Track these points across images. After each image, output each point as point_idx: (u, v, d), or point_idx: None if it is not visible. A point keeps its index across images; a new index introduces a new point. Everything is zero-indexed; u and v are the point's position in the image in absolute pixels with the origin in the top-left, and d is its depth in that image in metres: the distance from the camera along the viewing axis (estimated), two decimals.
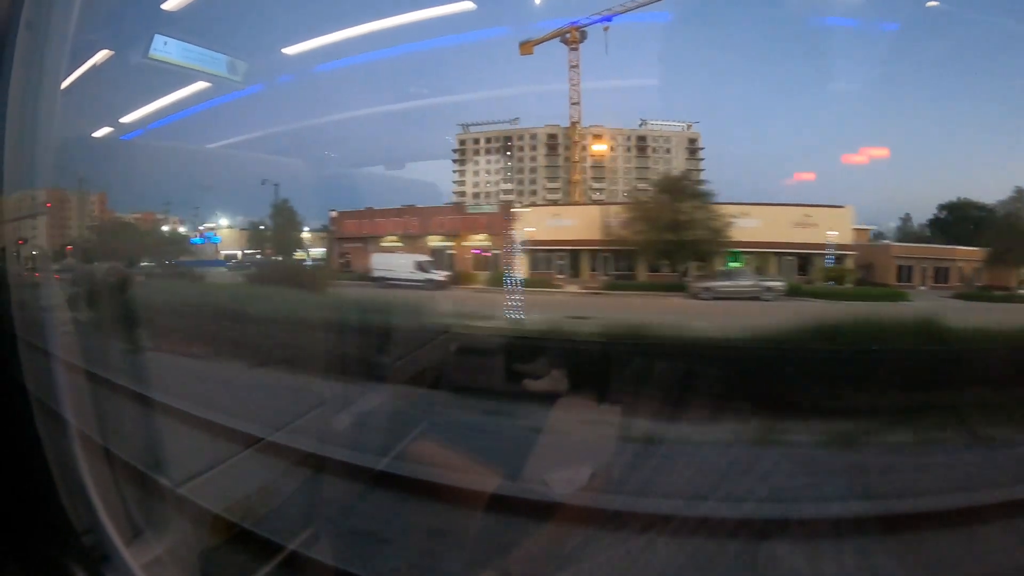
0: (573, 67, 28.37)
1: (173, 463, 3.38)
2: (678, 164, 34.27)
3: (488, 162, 35.70)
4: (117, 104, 10.87)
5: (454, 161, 35.73)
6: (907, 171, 30.48)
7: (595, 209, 27.50)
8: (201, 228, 29.29)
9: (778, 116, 37.89)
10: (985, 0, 20.20)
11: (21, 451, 1.74)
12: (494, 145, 35.62)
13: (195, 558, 2.34)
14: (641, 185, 32.91)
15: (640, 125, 34.88)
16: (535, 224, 26.06)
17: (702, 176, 32.90)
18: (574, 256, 25.68)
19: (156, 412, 4.50)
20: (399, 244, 26.72)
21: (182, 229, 28.99)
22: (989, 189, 31.24)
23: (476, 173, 35.78)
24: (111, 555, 1.82)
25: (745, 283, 20.09)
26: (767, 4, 28.46)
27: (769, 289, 19.65)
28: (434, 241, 26.87)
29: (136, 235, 26.31)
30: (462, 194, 35.37)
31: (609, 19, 25.56)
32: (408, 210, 28.14)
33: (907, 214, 28.39)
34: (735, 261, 22.70)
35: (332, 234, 28.94)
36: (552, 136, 34.35)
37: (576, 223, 25.84)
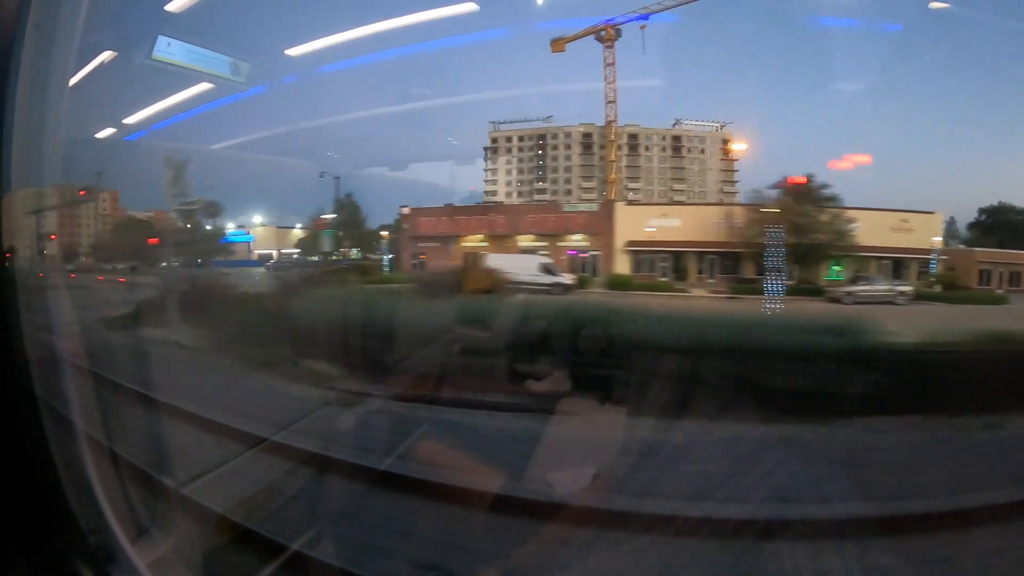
0: (609, 65, 27.88)
1: None
2: (713, 164, 34.06)
3: (521, 160, 35.00)
4: (120, 105, 10.90)
5: (486, 159, 35.00)
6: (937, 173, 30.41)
7: (704, 210, 26.72)
8: (232, 226, 28.00)
9: (800, 115, 37.45)
10: None
11: (29, 453, 1.74)
12: (527, 143, 34.88)
13: (200, 557, 2.35)
14: (677, 186, 32.96)
15: (673, 125, 34.57)
16: (634, 224, 25.11)
17: (735, 176, 32.93)
18: (678, 258, 24.86)
19: None
20: (484, 244, 25.40)
21: (210, 227, 27.10)
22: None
23: (509, 172, 35.03)
24: (117, 554, 1.82)
25: (882, 288, 20.05)
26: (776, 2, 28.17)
27: (902, 294, 19.82)
28: (524, 241, 25.74)
29: (161, 233, 25.08)
30: (493, 193, 34.80)
31: (646, 18, 25.34)
32: (496, 208, 27.10)
33: (951, 218, 28.05)
34: (838, 265, 22.66)
35: (404, 232, 27.70)
36: (587, 135, 33.79)
37: (682, 223, 24.99)
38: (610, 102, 29.86)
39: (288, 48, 10.01)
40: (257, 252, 28.99)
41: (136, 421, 3.91)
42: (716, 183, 34.35)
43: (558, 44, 26.36)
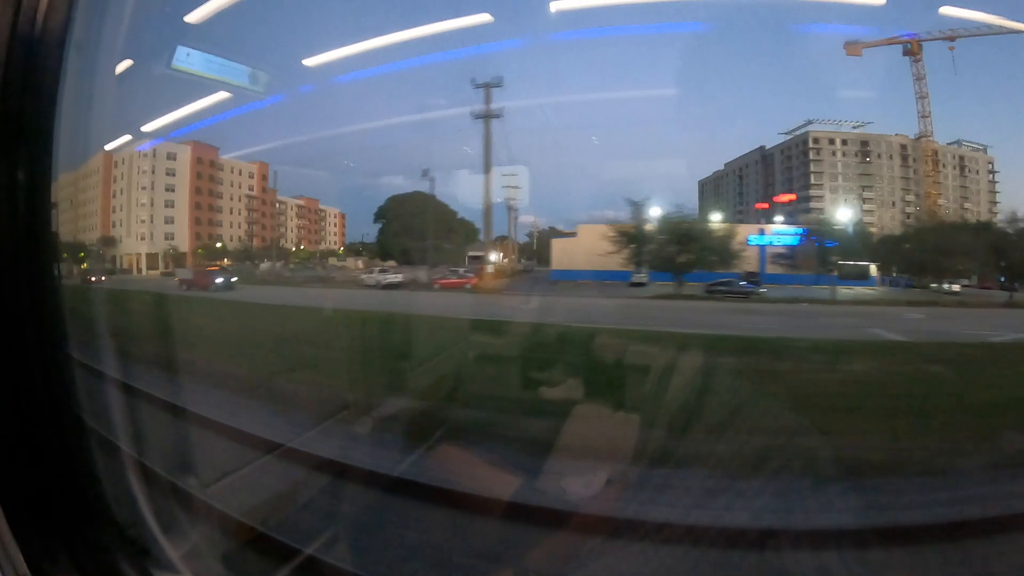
0: (919, 79, 27.79)
1: None
2: (983, 185, 33.05)
3: (844, 166, 33.44)
4: (139, 113, 11.15)
5: (811, 161, 33.50)
6: None
7: None
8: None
9: None
10: None
11: (71, 456, 1.84)
12: (851, 148, 33.31)
13: (227, 551, 2.44)
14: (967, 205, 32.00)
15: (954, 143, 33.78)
16: None
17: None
18: None
19: None
20: None
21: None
22: None
23: (834, 177, 33.40)
24: (151, 546, 1.92)
25: None
26: None
27: None
28: None
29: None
30: (820, 198, 33.18)
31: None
32: None
33: None
34: None
35: None
36: (903, 146, 32.72)
37: None
38: (923, 116, 29.68)
39: (306, 58, 10.19)
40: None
41: None
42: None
43: (854, 47, 25.71)
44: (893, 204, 32.71)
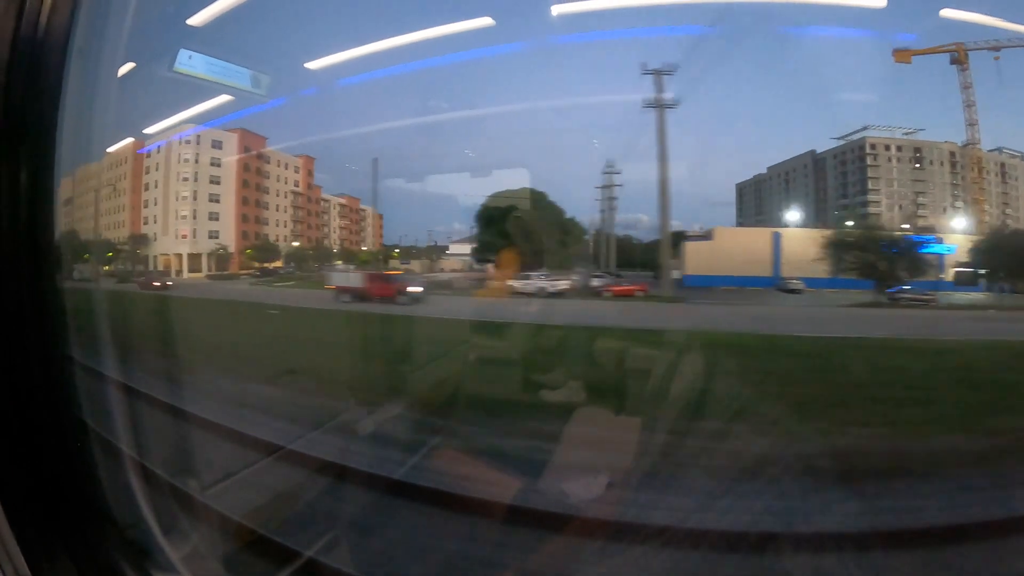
0: (967, 88, 27.27)
1: None
2: (1021, 192, 32.19)
3: (899, 172, 33.14)
4: (141, 116, 11.18)
5: (869, 166, 33.36)
6: None
7: None
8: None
9: None
10: None
11: (72, 458, 1.85)
12: (905, 154, 33.07)
13: (226, 553, 2.44)
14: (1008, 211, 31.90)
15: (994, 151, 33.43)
16: None
17: None
18: None
19: None
20: None
21: None
22: None
23: (890, 183, 33.04)
24: (151, 548, 1.92)
25: None
26: None
27: None
28: None
29: None
30: (877, 203, 32.78)
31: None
32: None
33: None
34: None
35: None
36: (952, 153, 32.32)
37: None
38: (970, 124, 29.39)
39: (308, 61, 10.20)
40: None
41: None
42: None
43: (903, 55, 24.90)
44: (944, 210, 32.49)
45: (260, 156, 33.25)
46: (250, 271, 32.20)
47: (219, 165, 31.03)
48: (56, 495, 1.75)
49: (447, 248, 34.65)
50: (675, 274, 27.50)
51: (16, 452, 1.55)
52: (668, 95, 20.34)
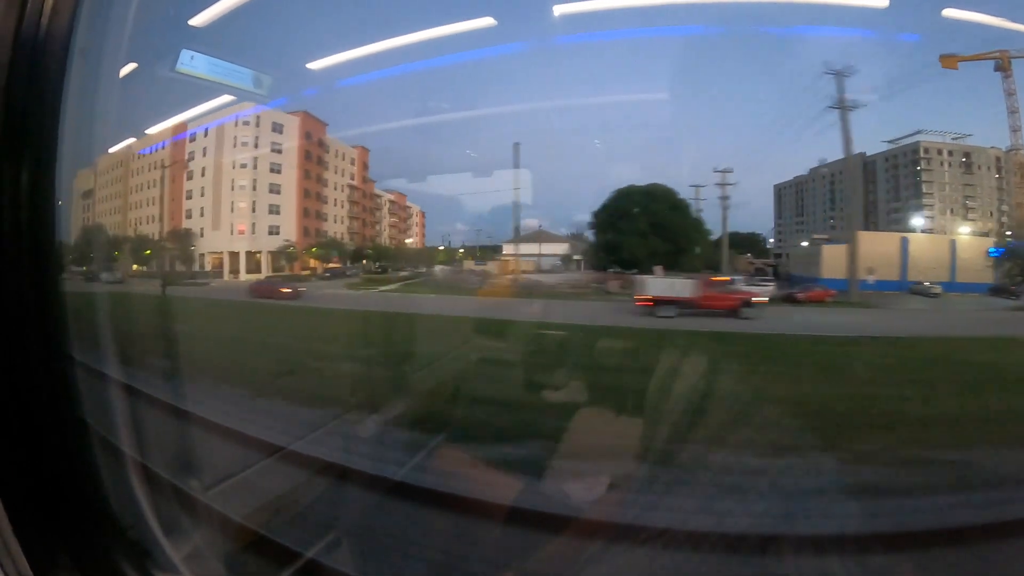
0: (1010, 94, 27.82)
1: None
2: None
3: (951, 177, 33.29)
4: (144, 116, 11.20)
5: (923, 171, 33.40)
6: None
7: None
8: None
9: None
10: None
11: (74, 458, 1.85)
12: (955, 159, 33.32)
13: (228, 553, 2.44)
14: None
15: None
16: None
17: None
18: None
19: None
20: None
21: None
22: None
23: (943, 187, 33.06)
24: (152, 548, 1.92)
25: None
26: None
27: None
28: None
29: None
30: (931, 207, 33.12)
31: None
32: None
33: None
34: None
35: None
36: (997, 158, 32.79)
37: None
38: (1014, 130, 29.97)
39: (309, 62, 10.20)
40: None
41: None
42: None
43: (950, 61, 25.16)
44: (991, 214, 32.95)
45: (320, 143, 29.39)
46: (310, 271, 28.17)
47: (280, 151, 26.57)
48: (57, 495, 1.76)
49: (500, 248, 31.63)
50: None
51: (18, 452, 1.55)
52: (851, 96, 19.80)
